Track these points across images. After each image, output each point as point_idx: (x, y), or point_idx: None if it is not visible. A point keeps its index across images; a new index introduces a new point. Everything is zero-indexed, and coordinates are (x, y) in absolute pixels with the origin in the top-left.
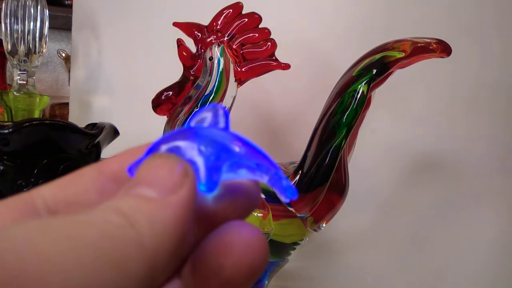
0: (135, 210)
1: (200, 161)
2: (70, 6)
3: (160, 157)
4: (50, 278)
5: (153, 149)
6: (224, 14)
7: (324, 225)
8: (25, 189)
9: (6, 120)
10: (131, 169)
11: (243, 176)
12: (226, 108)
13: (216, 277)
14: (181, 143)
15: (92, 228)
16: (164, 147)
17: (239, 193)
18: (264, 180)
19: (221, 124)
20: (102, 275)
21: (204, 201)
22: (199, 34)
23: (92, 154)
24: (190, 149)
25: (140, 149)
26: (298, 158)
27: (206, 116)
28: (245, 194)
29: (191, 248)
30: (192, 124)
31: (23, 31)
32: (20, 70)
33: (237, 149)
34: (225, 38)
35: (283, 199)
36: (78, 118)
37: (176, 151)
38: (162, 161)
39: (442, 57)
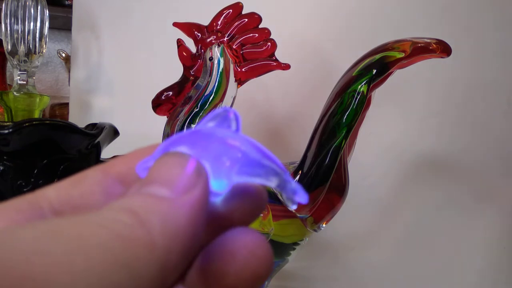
0: (146, 210)
1: (210, 163)
2: (70, 6)
3: (172, 156)
4: (58, 279)
5: (163, 149)
6: (224, 15)
7: (324, 225)
8: (25, 189)
9: (6, 120)
10: (140, 168)
11: (252, 179)
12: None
13: (219, 284)
14: (191, 144)
15: (102, 229)
16: (174, 148)
17: (246, 197)
18: (272, 183)
19: (233, 127)
20: (112, 276)
21: (213, 204)
22: (199, 34)
23: (92, 154)
24: (201, 150)
25: (146, 150)
26: (298, 158)
27: (217, 118)
28: (252, 198)
29: (197, 253)
30: (203, 126)
31: (23, 31)
32: (20, 70)
33: (247, 152)
34: (225, 38)
35: (291, 205)
36: (78, 118)
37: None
38: (174, 160)
39: (442, 57)
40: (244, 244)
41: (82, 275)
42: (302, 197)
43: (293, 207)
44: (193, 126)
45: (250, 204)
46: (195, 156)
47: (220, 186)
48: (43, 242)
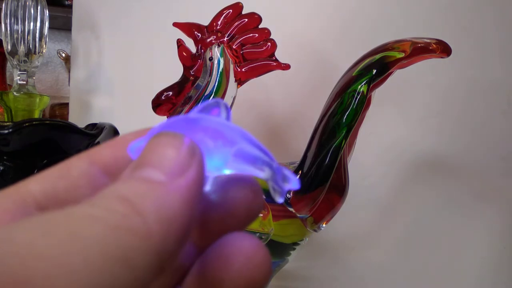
0: (141, 196)
1: (205, 145)
2: (70, 6)
3: (165, 135)
4: (57, 282)
5: (156, 131)
6: (224, 15)
7: (324, 225)
8: None
9: (6, 120)
10: (132, 149)
11: (245, 168)
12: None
13: None
14: (185, 129)
15: (96, 221)
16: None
17: (242, 197)
18: (264, 173)
19: (222, 116)
20: (110, 271)
21: (208, 199)
22: (199, 34)
23: None
24: (195, 134)
25: (131, 137)
26: (298, 158)
27: (208, 108)
28: (247, 199)
29: (193, 258)
30: (194, 114)
31: (23, 31)
32: (20, 70)
33: (238, 140)
34: (225, 39)
35: (278, 197)
36: (78, 118)
37: None
38: (167, 140)
39: (442, 57)
40: (241, 249)
41: (80, 274)
42: (294, 183)
43: (280, 200)
44: None
45: (246, 205)
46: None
47: (215, 167)
48: (38, 243)
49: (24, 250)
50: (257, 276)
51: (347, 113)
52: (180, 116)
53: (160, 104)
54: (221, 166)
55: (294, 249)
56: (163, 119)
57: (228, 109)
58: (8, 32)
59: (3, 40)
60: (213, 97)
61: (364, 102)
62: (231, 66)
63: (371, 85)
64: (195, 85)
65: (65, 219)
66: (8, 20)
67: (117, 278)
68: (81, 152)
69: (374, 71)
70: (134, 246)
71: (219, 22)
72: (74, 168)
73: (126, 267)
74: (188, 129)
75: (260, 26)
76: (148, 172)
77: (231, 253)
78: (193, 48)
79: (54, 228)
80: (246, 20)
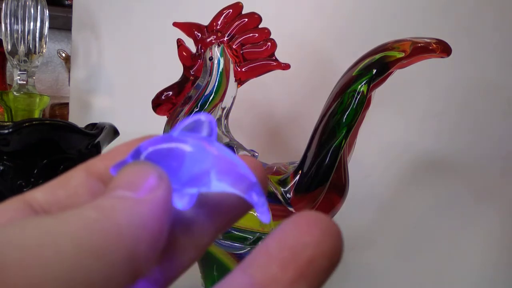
0: (112, 206)
1: (182, 169)
2: (70, 6)
3: (137, 164)
4: (32, 272)
5: (135, 154)
6: (224, 14)
7: None
8: (25, 189)
9: (6, 120)
10: (114, 171)
11: (222, 188)
12: (214, 119)
13: (298, 258)
14: (162, 150)
15: (71, 223)
16: (145, 153)
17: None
18: (241, 194)
19: (204, 133)
20: (85, 265)
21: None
22: (199, 34)
23: (92, 154)
24: (172, 157)
25: (124, 148)
26: (298, 158)
27: (193, 124)
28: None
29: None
30: (178, 131)
31: (23, 31)
32: (20, 70)
33: (218, 161)
34: (225, 38)
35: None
36: (78, 118)
37: (157, 157)
38: (138, 167)
39: (442, 57)
40: (316, 220)
41: (56, 266)
42: (263, 213)
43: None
44: None
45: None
46: (164, 161)
47: (191, 194)
48: (15, 236)
49: (3, 239)
50: (337, 244)
51: (347, 113)
52: (160, 137)
53: (160, 104)
54: (197, 190)
55: None
56: (163, 119)
57: (212, 125)
58: (8, 32)
59: (3, 40)
60: (213, 97)
61: (364, 102)
62: (231, 66)
63: (371, 85)
64: (195, 85)
65: (41, 221)
66: (8, 20)
67: (90, 272)
68: (81, 152)
69: (374, 71)
70: (106, 242)
71: (219, 22)
72: (73, 178)
73: (100, 262)
74: (167, 151)
75: (260, 26)
76: (120, 192)
77: (309, 221)
78: (193, 48)
79: (30, 226)
80: (246, 20)
